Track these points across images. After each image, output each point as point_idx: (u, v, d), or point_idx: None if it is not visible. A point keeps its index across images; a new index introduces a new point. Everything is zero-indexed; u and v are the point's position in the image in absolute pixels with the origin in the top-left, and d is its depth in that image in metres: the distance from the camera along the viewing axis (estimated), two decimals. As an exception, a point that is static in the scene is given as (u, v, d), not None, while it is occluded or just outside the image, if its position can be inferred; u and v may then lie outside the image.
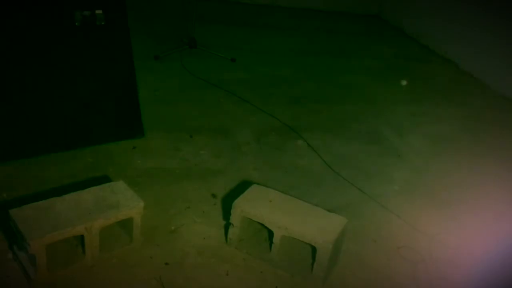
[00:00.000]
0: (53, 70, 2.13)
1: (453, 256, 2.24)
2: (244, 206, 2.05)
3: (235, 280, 1.99)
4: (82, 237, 1.90)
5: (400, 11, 5.99)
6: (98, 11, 2.20)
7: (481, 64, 4.42)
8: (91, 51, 2.22)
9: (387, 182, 2.74)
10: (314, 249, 1.97)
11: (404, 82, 4.09)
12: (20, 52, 2.05)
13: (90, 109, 2.28)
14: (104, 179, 2.40)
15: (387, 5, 6.25)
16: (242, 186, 2.28)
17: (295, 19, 5.80)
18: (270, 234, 2.05)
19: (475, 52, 4.54)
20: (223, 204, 2.40)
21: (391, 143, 3.15)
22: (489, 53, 4.35)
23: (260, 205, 2.07)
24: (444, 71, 4.53)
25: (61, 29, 2.13)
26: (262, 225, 2.07)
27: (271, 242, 2.04)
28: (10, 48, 2.02)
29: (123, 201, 1.99)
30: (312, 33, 5.38)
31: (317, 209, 2.12)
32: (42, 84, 2.12)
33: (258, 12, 5.67)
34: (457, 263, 2.20)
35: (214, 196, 2.46)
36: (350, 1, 6.23)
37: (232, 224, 2.08)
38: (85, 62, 2.23)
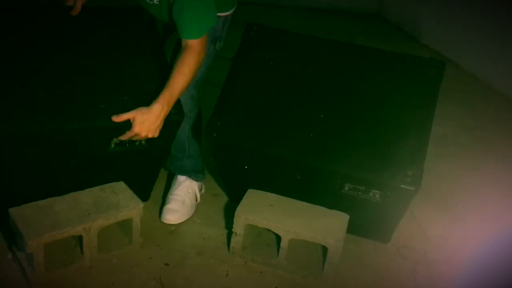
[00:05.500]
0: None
1: (453, 256, 2.23)
2: (247, 214, 2.02)
3: (235, 280, 1.98)
4: (81, 237, 1.89)
5: (400, 10, 5.97)
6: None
7: (482, 63, 4.41)
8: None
9: (388, 182, 2.73)
10: (315, 247, 1.96)
11: None
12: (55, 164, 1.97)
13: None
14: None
15: (387, 4, 6.24)
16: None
17: (297, 19, 5.79)
18: (271, 237, 2.04)
19: (476, 51, 4.53)
20: (223, 205, 2.39)
21: (391, 143, 3.13)
22: (490, 53, 4.34)
23: (262, 211, 2.05)
24: (445, 70, 4.52)
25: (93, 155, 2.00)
26: (260, 228, 2.06)
27: (278, 247, 2.02)
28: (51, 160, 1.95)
29: (123, 202, 1.99)
30: (313, 33, 5.36)
31: (317, 207, 2.11)
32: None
33: (259, 11, 5.66)
34: (457, 263, 2.20)
35: (214, 196, 2.45)
36: (352, 0, 6.23)
37: (236, 233, 2.05)
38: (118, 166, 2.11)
